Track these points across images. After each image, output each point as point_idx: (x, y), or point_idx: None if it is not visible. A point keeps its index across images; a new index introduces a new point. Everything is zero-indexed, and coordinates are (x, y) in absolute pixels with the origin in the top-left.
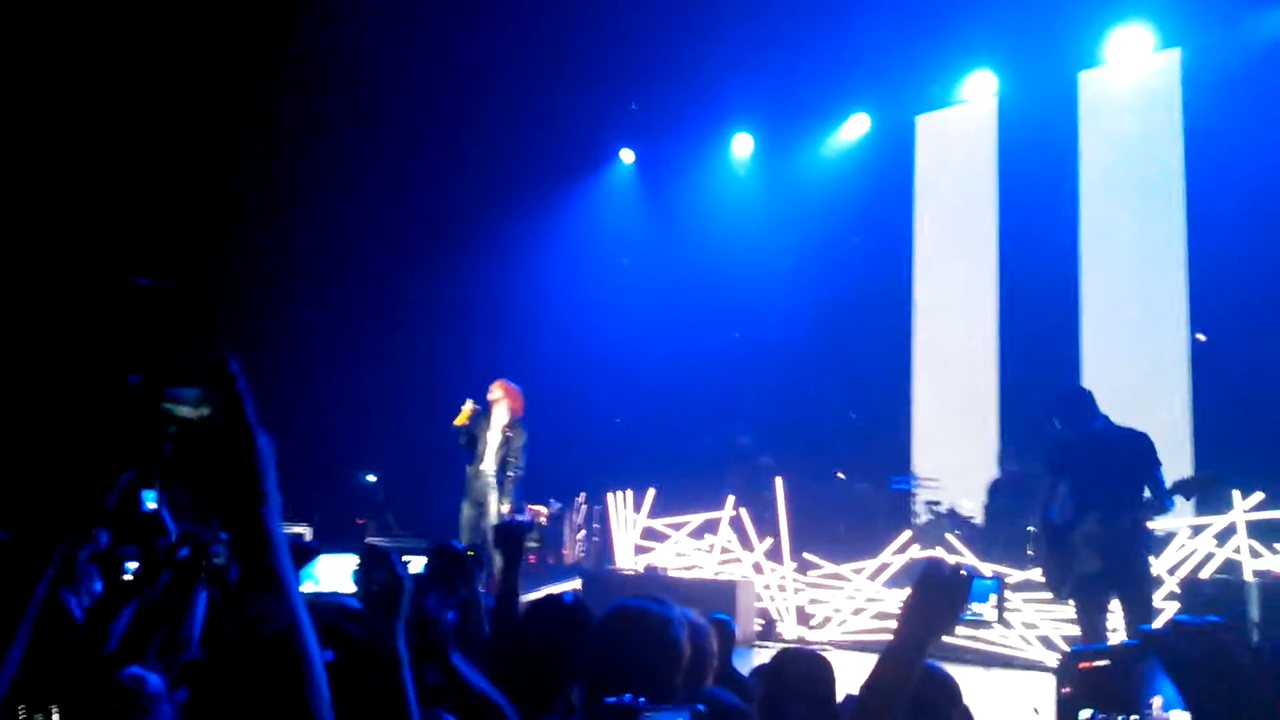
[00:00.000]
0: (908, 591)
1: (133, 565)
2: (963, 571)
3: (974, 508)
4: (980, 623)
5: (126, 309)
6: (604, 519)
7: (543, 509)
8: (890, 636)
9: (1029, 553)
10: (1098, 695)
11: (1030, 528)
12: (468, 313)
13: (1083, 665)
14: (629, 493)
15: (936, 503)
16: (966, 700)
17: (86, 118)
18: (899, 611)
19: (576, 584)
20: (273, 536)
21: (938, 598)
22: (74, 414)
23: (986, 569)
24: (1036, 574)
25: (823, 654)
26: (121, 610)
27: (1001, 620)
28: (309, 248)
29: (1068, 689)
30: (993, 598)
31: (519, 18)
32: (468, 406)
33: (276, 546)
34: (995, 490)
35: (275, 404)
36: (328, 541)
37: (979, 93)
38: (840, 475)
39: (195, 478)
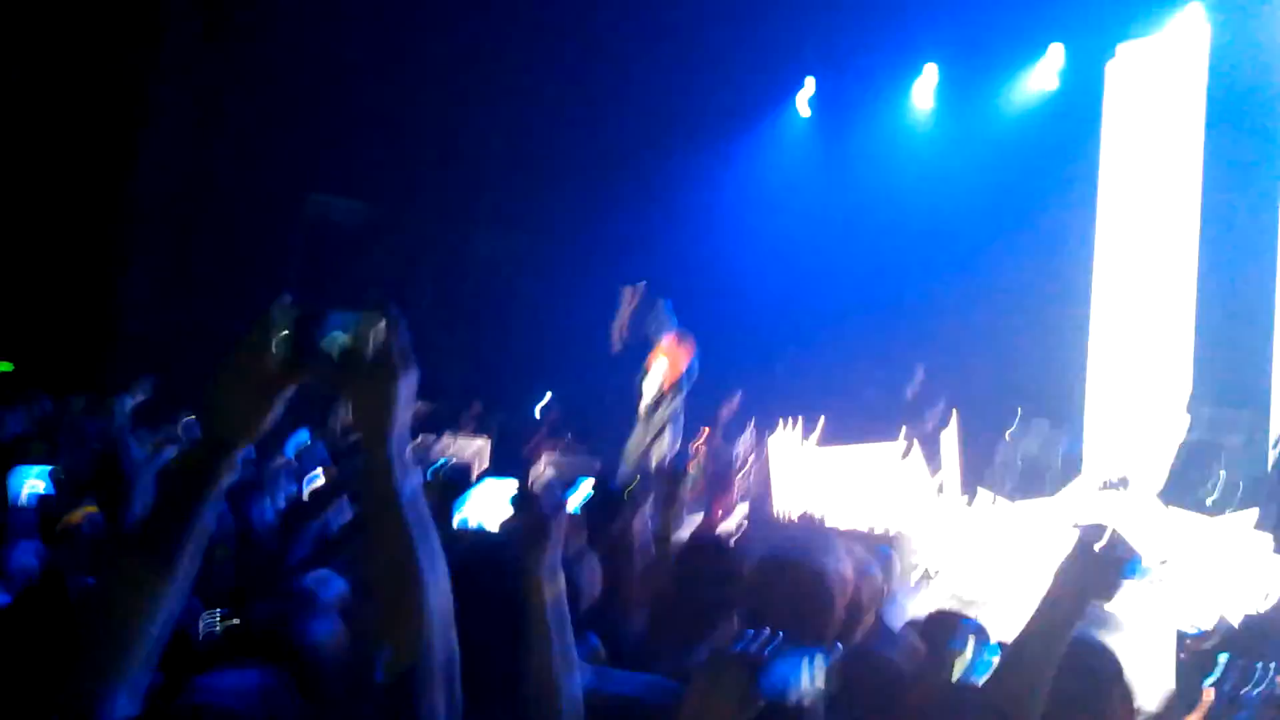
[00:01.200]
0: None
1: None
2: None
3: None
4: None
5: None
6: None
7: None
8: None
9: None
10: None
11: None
12: (644, 243)
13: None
14: (798, 420)
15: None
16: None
17: None
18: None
19: (743, 510)
20: (398, 466)
21: (1095, 561)
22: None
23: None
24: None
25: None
26: (310, 520)
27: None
28: (489, 175)
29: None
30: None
31: None
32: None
33: (401, 476)
34: (1181, 454)
35: (459, 321)
36: (506, 456)
37: (1188, 24)
38: (1019, 411)
39: (350, 401)
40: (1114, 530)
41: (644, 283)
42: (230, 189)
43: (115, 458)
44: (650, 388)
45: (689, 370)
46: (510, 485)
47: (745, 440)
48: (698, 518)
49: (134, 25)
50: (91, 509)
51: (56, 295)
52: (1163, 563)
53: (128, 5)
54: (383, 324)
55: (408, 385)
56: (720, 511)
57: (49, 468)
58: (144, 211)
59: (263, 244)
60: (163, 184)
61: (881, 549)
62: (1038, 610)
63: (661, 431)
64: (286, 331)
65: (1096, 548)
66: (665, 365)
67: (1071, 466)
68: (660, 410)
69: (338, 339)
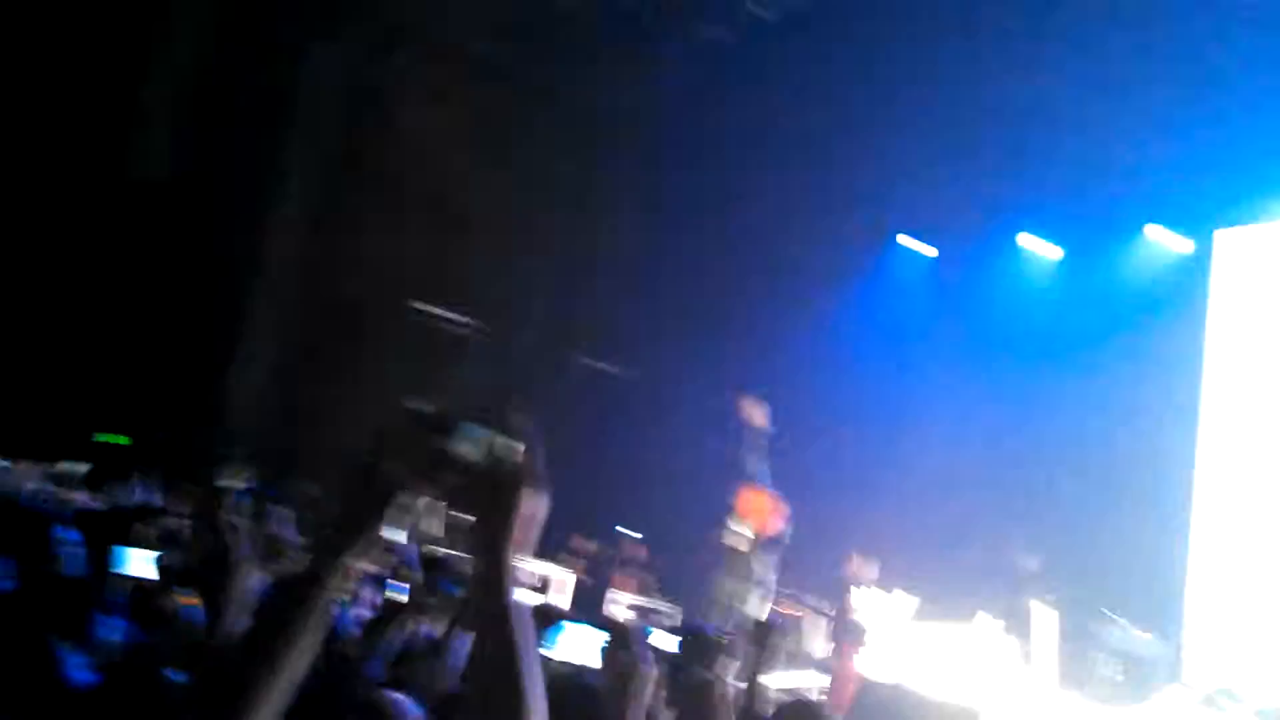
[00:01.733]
0: None
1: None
2: None
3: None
4: None
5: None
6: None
7: (795, 611)
8: None
9: None
10: None
11: None
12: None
13: None
14: (879, 592)
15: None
16: None
17: None
18: None
19: (825, 680)
20: (508, 580)
21: None
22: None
23: None
24: None
25: None
26: (392, 632)
27: None
28: (601, 312)
29: None
30: None
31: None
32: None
33: (511, 590)
34: None
35: (558, 450)
36: (588, 590)
37: None
38: (1107, 613)
39: (473, 513)
40: None
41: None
42: (344, 289)
43: (225, 555)
44: (740, 537)
45: (782, 533)
46: (600, 636)
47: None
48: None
49: (261, 118)
50: (191, 599)
51: (172, 378)
52: None
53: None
54: (517, 442)
55: (540, 505)
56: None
57: (157, 553)
58: (259, 304)
59: (371, 345)
60: (283, 279)
61: None
62: None
63: (752, 585)
64: (418, 437)
65: None
66: (756, 517)
67: (1168, 671)
68: (754, 565)
69: (473, 445)
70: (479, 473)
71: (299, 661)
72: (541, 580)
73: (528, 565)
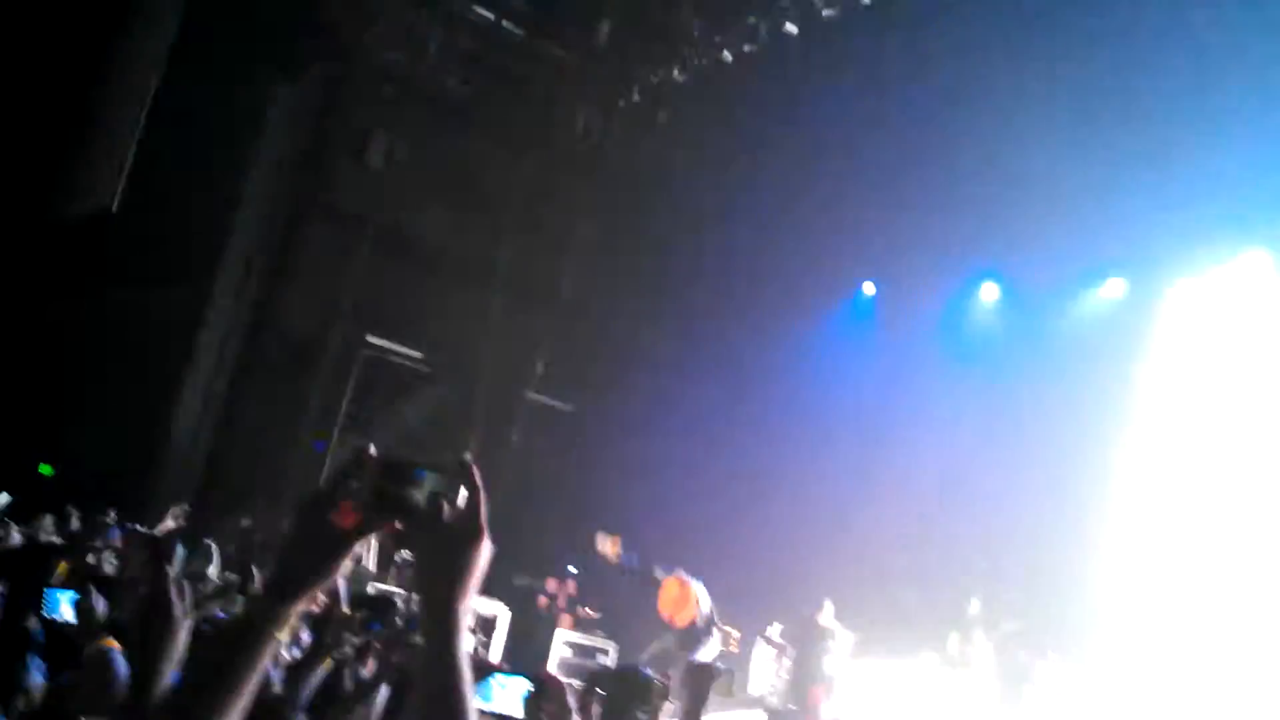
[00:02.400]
0: None
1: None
2: None
3: None
4: None
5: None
6: (797, 652)
7: (735, 633)
8: None
9: None
10: None
11: None
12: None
13: None
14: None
15: None
16: None
17: None
18: None
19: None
20: (460, 632)
21: None
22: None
23: None
24: None
25: None
26: (315, 674)
27: None
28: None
29: None
30: None
31: (773, 158)
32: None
33: (460, 642)
34: None
35: (497, 481)
36: (523, 625)
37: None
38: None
39: (417, 557)
40: None
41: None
42: (291, 328)
43: (164, 604)
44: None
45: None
46: (523, 684)
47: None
48: None
49: (219, 161)
50: (111, 642)
51: (108, 413)
52: None
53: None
54: (465, 487)
55: (485, 552)
56: None
57: (75, 594)
58: (202, 345)
59: (315, 382)
60: (227, 317)
61: None
62: None
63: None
64: (370, 481)
65: None
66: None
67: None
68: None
69: (424, 490)
70: (434, 523)
71: (240, 705)
72: (479, 621)
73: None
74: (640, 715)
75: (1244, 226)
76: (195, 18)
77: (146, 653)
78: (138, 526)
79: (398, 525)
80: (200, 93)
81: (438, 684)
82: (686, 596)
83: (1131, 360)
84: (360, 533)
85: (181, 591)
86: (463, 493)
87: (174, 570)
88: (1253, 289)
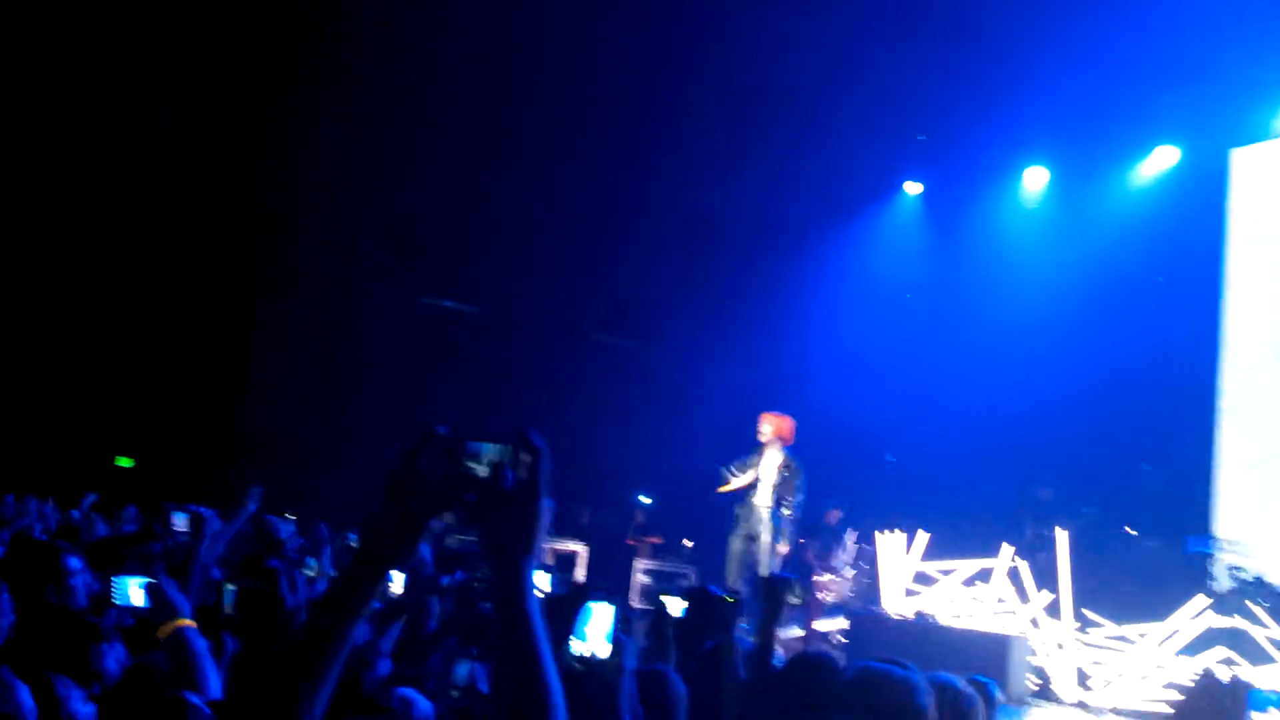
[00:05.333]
0: (1179, 701)
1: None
2: (1238, 684)
3: None
4: None
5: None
6: (873, 559)
7: (835, 512)
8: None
9: None
10: None
11: None
12: (745, 346)
13: None
14: (901, 533)
15: (1240, 569)
16: None
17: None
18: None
19: (843, 623)
20: (529, 590)
21: (1211, 710)
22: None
23: None
24: None
25: None
26: (389, 629)
27: None
28: (592, 278)
29: None
30: (1273, 711)
31: (807, 48)
32: (733, 482)
33: (531, 599)
34: None
35: (561, 425)
36: (602, 559)
37: None
38: (1130, 530)
39: (484, 527)
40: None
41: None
42: (345, 291)
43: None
44: (770, 464)
45: (800, 477)
46: (609, 612)
47: (846, 552)
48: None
49: (263, 140)
50: (186, 622)
51: (176, 400)
52: None
53: (259, 123)
54: (526, 454)
55: (544, 512)
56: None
57: (145, 579)
58: (267, 332)
59: (374, 345)
60: (280, 286)
61: (989, 683)
62: None
63: (762, 541)
64: (439, 460)
65: (1210, 688)
66: (778, 445)
67: (1188, 580)
68: (790, 480)
69: (484, 462)
70: (496, 494)
71: (335, 668)
72: (559, 559)
73: (547, 544)
74: (714, 632)
75: None
76: None
77: (255, 641)
78: (201, 509)
79: (467, 500)
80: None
81: (512, 645)
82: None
83: (1197, 229)
84: (435, 511)
85: (294, 588)
86: (523, 458)
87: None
88: None
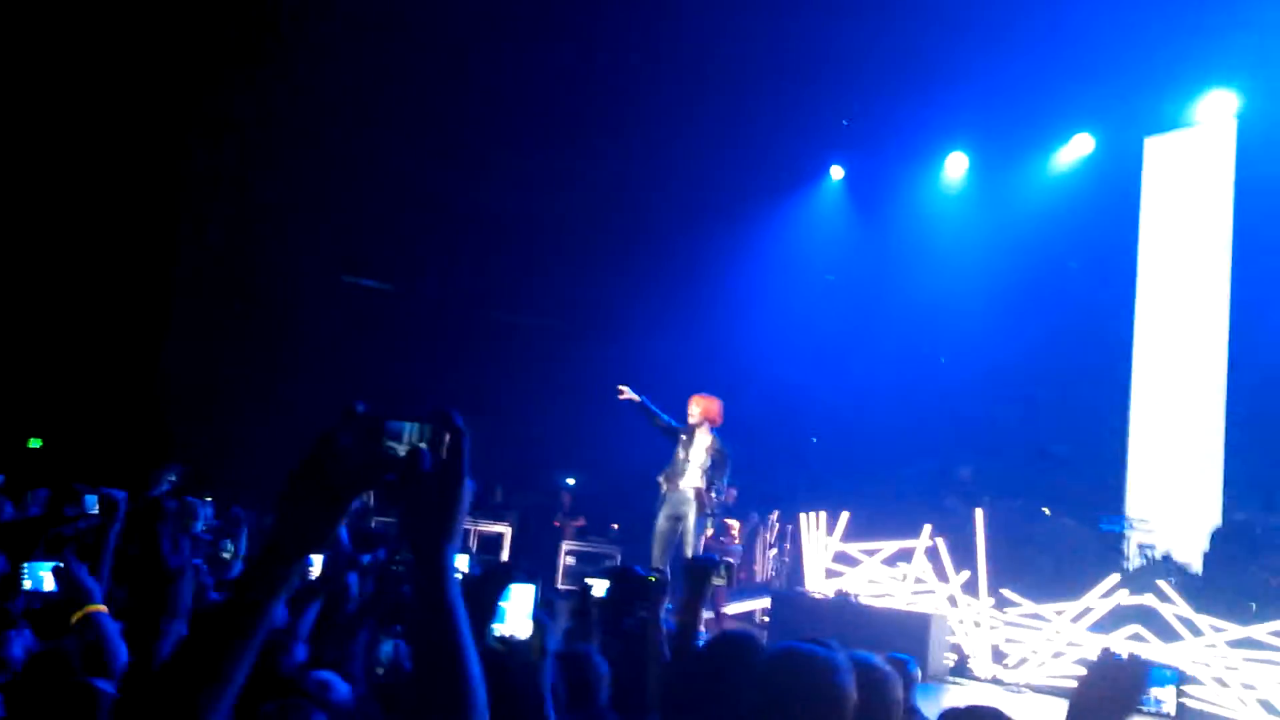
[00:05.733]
0: (1079, 680)
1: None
2: (1137, 662)
3: (1193, 555)
4: (1159, 715)
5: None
6: (796, 539)
7: (736, 524)
8: None
9: (1253, 607)
10: None
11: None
12: (669, 326)
13: None
14: (822, 514)
15: (1150, 546)
16: None
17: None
18: (1070, 699)
19: (765, 603)
20: (449, 572)
21: (1111, 688)
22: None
23: (1202, 623)
24: (1260, 630)
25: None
26: (306, 611)
27: (1180, 714)
28: (514, 257)
29: None
30: (1171, 689)
31: (735, 33)
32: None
33: (452, 582)
34: (1217, 538)
35: (480, 406)
36: (527, 541)
37: (1216, 114)
38: (1046, 511)
39: (404, 507)
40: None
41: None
42: (263, 270)
43: (158, 561)
44: (699, 445)
45: (728, 460)
46: (529, 593)
47: (771, 526)
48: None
49: (171, 113)
50: (98, 607)
51: (87, 380)
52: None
53: (164, 94)
54: (447, 434)
55: (466, 493)
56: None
57: (54, 563)
58: (178, 296)
59: (291, 324)
60: (196, 265)
61: (908, 660)
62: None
63: (688, 522)
64: (359, 439)
65: (1110, 667)
66: (706, 427)
67: (1102, 557)
68: (718, 463)
69: (405, 442)
70: (415, 473)
71: (246, 661)
72: (483, 540)
73: (470, 525)
74: (640, 612)
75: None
76: None
77: (143, 611)
78: (113, 491)
79: (386, 480)
80: None
81: (431, 628)
82: (713, 407)
83: (1112, 216)
84: (353, 492)
85: (176, 548)
86: (442, 439)
87: (174, 531)
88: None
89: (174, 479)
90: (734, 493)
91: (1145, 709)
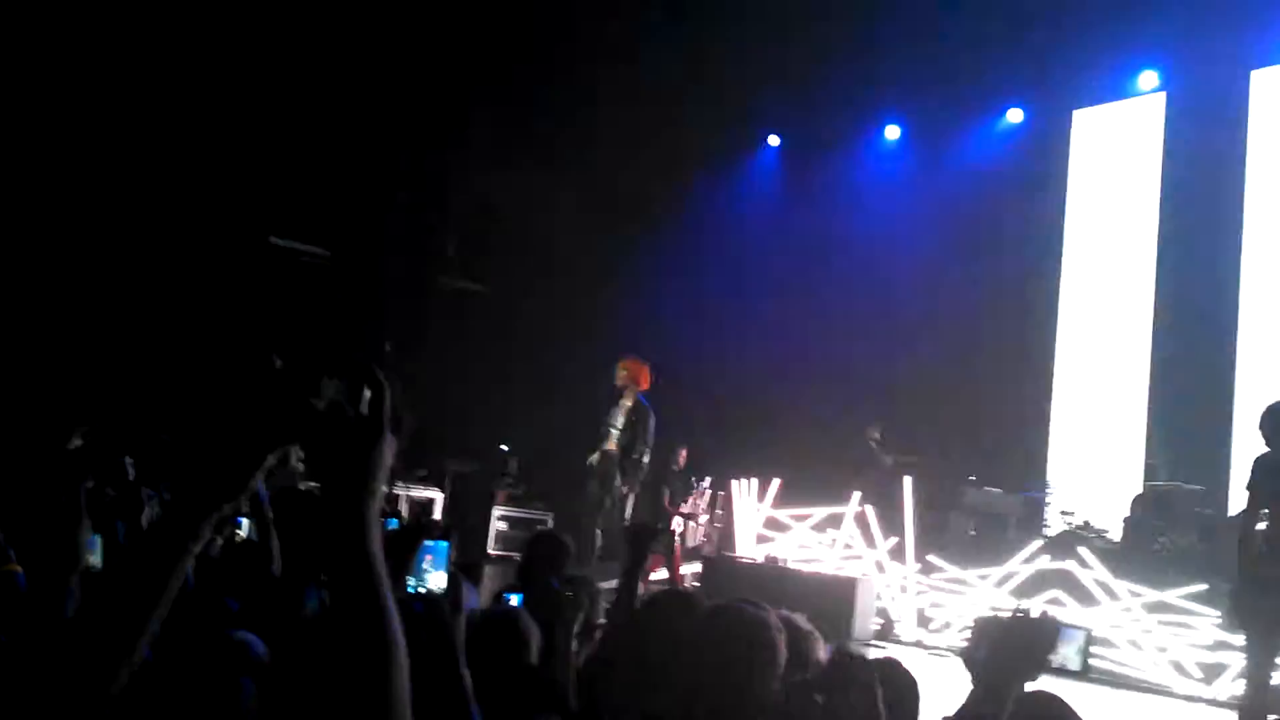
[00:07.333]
0: (991, 639)
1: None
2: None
3: (1113, 522)
4: (1066, 671)
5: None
6: (726, 506)
7: (683, 451)
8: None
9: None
10: None
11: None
12: (608, 291)
13: None
14: (753, 481)
15: (1071, 513)
16: None
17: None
18: (980, 660)
19: (696, 567)
20: (370, 528)
21: (1021, 645)
22: (228, 390)
23: (1119, 588)
24: (1172, 595)
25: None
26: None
27: (1086, 670)
28: (456, 223)
29: None
30: (1079, 644)
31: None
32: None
33: (371, 537)
34: (1137, 504)
35: (418, 370)
36: (462, 508)
37: (1144, 87)
38: (971, 478)
39: (322, 463)
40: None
41: None
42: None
43: (71, 515)
44: (622, 409)
45: (649, 423)
46: (444, 550)
47: (698, 497)
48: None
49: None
50: (14, 566)
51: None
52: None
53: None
54: (370, 387)
55: (388, 449)
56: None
57: None
58: (98, 250)
59: (222, 286)
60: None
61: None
62: (969, 695)
63: (617, 482)
64: (278, 391)
65: (1021, 624)
66: (631, 390)
67: (1023, 524)
68: (639, 427)
69: (324, 397)
70: (334, 428)
71: (159, 615)
72: (415, 505)
73: (401, 490)
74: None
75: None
76: None
77: (45, 563)
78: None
79: (309, 433)
80: None
81: (351, 585)
82: (641, 371)
83: (1040, 188)
84: (270, 446)
85: (89, 504)
86: (365, 393)
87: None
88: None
89: (83, 437)
90: (684, 452)
91: (1054, 665)
